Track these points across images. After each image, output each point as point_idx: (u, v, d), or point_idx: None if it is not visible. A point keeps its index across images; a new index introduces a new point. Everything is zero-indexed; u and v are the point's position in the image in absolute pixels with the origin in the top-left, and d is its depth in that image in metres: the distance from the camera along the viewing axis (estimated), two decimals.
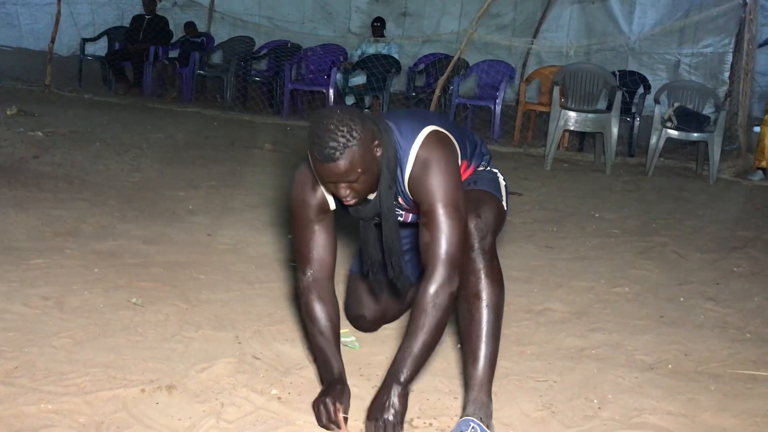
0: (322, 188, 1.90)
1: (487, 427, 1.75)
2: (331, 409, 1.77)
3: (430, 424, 1.85)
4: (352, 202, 1.82)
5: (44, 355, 2.06)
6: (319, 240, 1.95)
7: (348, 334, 2.37)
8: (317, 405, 1.80)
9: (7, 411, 1.76)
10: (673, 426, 1.91)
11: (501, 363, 2.20)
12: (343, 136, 1.68)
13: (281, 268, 3.03)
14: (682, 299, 2.95)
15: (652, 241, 3.84)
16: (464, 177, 2.06)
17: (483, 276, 1.84)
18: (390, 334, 2.41)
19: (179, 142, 5.87)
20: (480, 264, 1.84)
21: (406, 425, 1.82)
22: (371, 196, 1.91)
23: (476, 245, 1.85)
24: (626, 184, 5.56)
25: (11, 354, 2.05)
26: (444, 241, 1.77)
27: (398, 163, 1.85)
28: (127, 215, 3.61)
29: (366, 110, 7.91)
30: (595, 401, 2.03)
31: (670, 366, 2.30)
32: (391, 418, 1.71)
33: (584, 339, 2.48)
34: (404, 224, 2.12)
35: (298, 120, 7.57)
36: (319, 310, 1.94)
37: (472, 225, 1.86)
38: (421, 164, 1.82)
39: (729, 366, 2.32)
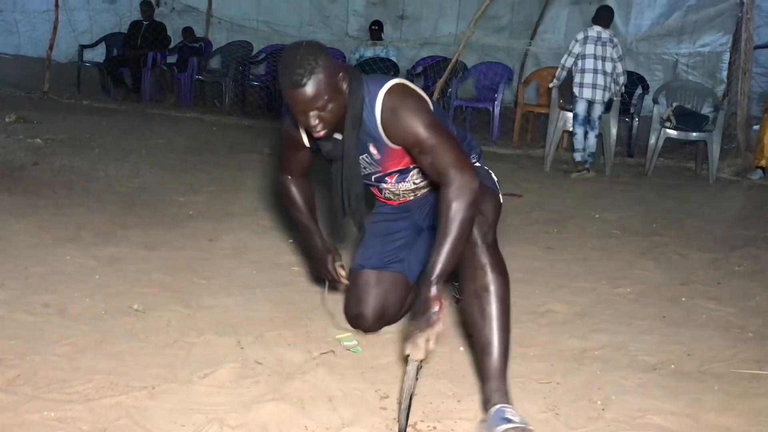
0: (302, 132, 2.14)
1: None
2: (333, 268, 2.35)
3: (434, 428, 1.85)
4: (321, 133, 1.93)
5: (46, 362, 2.06)
6: (298, 159, 2.30)
7: (350, 338, 2.37)
8: (321, 270, 2.39)
9: (10, 420, 1.75)
10: (677, 426, 1.91)
11: None
12: (308, 63, 1.82)
13: (282, 272, 3.03)
14: (684, 299, 2.95)
15: (652, 241, 3.84)
16: None
17: (489, 270, 1.90)
18: (391, 337, 2.41)
19: (178, 148, 5.87)
20: (485, 259, 1.91)
21: (410, 429, 1.82)
22: (339, 137, 2.03)
23: (479, 241, 1.92)
24: (626, 185, 5.57)
25: (13, 362, 2.05)
26: (445, 153, 1.87)
27: (367, 106, 1.97)
28: (127, 221, 3.61)
29: None
30: (599, 402, 2.02)
31: (673, 366, 2.30)
32: (431, 317, 1.77)
33: (587, 340, 2.48)
34: (411, 191, 2.29)
35: None
36: (297, 195, 2.35)
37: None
38: (389, 110, 1.95)
39: (732, 365, 2.32)
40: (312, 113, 1.88)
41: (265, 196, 4.40)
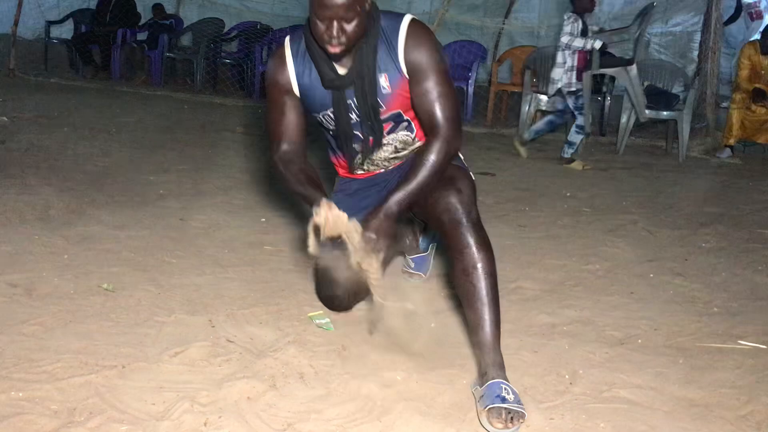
0: (289, 70, 2.05)
1: None
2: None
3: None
4: (338, 49, 1.89)
5: (13, 342, 2.04)
6: (289, 118, 2.10)
7: (322, 315, 2.37)
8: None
9: None
10: (642, 399, 1.95)
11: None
12: None
13: (254, 251, 3.02)
14: (651, 275, 3.00)
15: (622, 219, 3.89)
16: None
17: (476, 248, 1.95)
18: (364, 315, 2.42)
19: (149, 126, 5.80)
20: (471, 238, 1.95)
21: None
22: (343, 72, 2.00)
23: (464, 220, 1.96)
24: (597, 163, 5.62)
25: None
26: (449, 104, 1.98)
27: (386, 33, 1.97)
28: (96, 200, 3.56)
29: None
30: (567, 377, 2.06)
31: (639, 341, 2.34)
32: (372, 244, 1.91)
33: (555, 316, 2.52)
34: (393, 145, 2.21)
35: None
36: (296, 170, 2.06)
37: (455, 200, 1.98)
38: (414, 36, 1.97)
39: (697, 339, 2.37)
40: (336, 22, 1.85)
41: (237, 175, 4.37)
